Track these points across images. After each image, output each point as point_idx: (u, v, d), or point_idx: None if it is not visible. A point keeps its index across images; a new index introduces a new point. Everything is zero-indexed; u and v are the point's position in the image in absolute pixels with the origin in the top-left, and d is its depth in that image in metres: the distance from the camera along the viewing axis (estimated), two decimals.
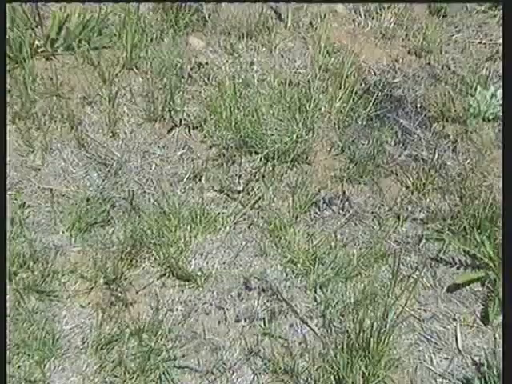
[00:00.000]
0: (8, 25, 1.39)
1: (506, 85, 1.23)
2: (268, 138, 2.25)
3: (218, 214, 1.93)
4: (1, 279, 0.96)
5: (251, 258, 1.84)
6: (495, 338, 1.39)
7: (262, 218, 1.95)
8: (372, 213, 2.13)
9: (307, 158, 2.30)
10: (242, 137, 2.26)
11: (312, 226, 1.93)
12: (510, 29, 1.18)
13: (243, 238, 1.90)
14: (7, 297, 1.25)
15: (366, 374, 1.29)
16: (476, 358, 1.40)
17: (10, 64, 1.63)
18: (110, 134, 1.92)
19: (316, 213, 2.12)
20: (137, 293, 1.60)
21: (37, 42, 1.59)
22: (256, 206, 2.17)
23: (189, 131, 2.36)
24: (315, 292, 1.62)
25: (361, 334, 1.33)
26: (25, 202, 1.64)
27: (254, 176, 2.24)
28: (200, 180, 2.23)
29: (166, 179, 2.21)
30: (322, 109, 2.39)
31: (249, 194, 2.20)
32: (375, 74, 2.13)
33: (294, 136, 2.25)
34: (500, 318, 1.41)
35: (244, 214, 1.96)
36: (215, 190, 2.23)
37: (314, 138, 2.31)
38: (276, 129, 2.33)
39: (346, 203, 2.21)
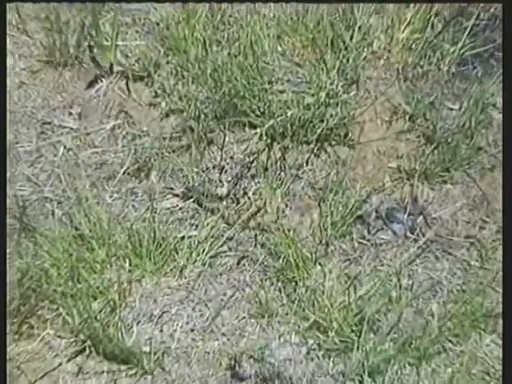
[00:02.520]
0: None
1: (506, 85, 1.69)
2: (274, 97, 2.27)
3: (182, 238, 2.13)
4: (1, 277, 1.47)
5: (242, 322, 2.06)
6: None
7: (264, 246, 2.16)
8: (467, 237, 2.22)
9: (347, 135, 2.32)
10: (226, 96, 2.27)
11: (355, 260, 2.15)
12: (510, 29, 1.61)
13: (228, 284, 2.10)
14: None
15: None
16: None
17: None
18: None
19: (363, 236, 2.22)
20: None
21: None
22: (252, 223, 2.22)
23: (127, 85, 2.42)
24: None
25: None
26: None
27: (249, 168, 2.28)
28: (148, 176, 2.29)
29: (85, 175, 2.26)
30: (375, 44, 2.42)
31: (238, 201, 2.25)
32: None
33: (323, 94, 2.26)
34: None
35: (230, 238, 2.17)
36: (176, 195, 2.27)
37: (358, 99, 2.34)
38: (288, 80, 2.34)
39: (420, 219, 2.25)
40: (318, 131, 2.22)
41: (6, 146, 2.04)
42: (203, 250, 2.10)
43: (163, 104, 2.34)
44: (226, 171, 2.24)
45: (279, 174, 2.24)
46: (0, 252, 1.53)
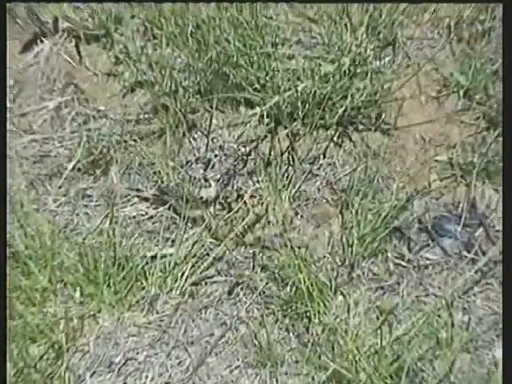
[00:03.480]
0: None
1: (506, 85, 1.90)
2: (279, 64, 2.25)
3: (154, 258, 2.12)
4: (1, 277, 1.78)
5: (236, 373, 2.03)
6: None
7: (265, 268, 2.15)
8: None
9: (379, 116, 2.30)
10: (214, 63, 2.27)
11: (391, 288, 2.13)
12: (510, 29, 1.86)
13: (216, 322, 2.09)
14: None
15: None
16: None
17: None
18: None
19: (401, 255, 2.20)
20: None
21: None
22: (249, 237, 2.20)
23: (77, 48, 2.42)
24: None
25: None
26: None
27: (245, 162, 2.26)
28: (105, 173, 2.27)
29: (20, 171, 2.26)
30: None
31: (230, 207, 2.22)
32: None
33: (346, 61, 2.25)
34: None
35: (219, 258, 2.16)
36: (145, 200, 2.26)
37: (395, 67, 2.34)
38: (299, 42, 2.36)
39: (479, 231, 2.24)
40: (340, 111, 2.22)
41: (6, 146, 2.22)
42: (182, 275, 2.09)
43: (127, 74, 2.34)
44: (213, 166, 2.24)
45: (286, 171, 2.24)
46: (0, 252, 1.82)
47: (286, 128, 2.24)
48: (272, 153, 2.23)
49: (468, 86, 2.27)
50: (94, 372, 2.00)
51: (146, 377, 2.01)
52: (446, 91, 2.32)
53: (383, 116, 2.27)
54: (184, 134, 2.27)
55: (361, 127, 2.29)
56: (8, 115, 2.30)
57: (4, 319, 1.81)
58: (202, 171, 2.24)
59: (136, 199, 2.23)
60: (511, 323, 1.77)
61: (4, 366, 1.79)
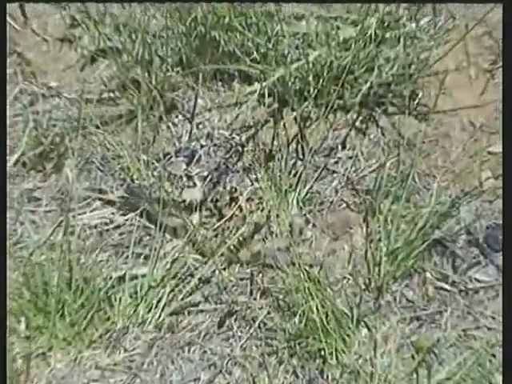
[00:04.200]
0: None
1: (506, 86, 2.07)
2: (284, 26, 2.22)
3: (121, 280, 2.12)
4: (1, 278, 1.91)
5: None
6: None
7: (266, 293, 2.14)
8: None
9: (414, 96, 2.30)
10: (199, 24, 2.24)
11: (430, 319, 2.12)
12: (510, 29, 2.06)
13: (202, 362, 2.09)
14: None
15: None
16: None
17: None
18: None
19: (444, 276, 2.17)
20: None
21: None
22: (245, 253, 2.17)
23: (21, 7, 2.41)
24: None
25: None
26: None
27: (239, 154, 2.25)
28: (59, 169, 2.26)
29: None
30: None
31: (221, 213, 2.18)
32: None
33: (372, 22, 2.23)
34: None
35: (206, 280, 2.15)
36: (109, 203, 2.24)
37: (435, 30, 2.31)
38: None
39: None
40: (364, 89, 2.21)
41: (6, 146, 2.26)
42: (158, 301, 2.07)
43: (85, 40, 2.34)
44: (198, 160, 2.22)
45: (294, 166, 2.23)
46: (0, 252, 1.98)
47: (293, 110, 2.24)
48: (275, 143, 2.24)
49: None
50: None
51: None
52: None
53: (420, 95, 2.29)
54: (161, 118, 2.27)
55: (391, 109, 2.29)
56: None
57: (4, 319, 1.94)
58: (184, 166, 2.24)
59: (98, 203, 2.23)
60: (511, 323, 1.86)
61: (4, 366, 1.91)
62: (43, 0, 2.43)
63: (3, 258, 1.97)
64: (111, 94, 2.27)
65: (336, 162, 2.25)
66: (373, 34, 2.20)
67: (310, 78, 2.19)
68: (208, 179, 2.20)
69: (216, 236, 2.15)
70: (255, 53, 2.21)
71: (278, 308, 2.10)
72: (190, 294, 2.11)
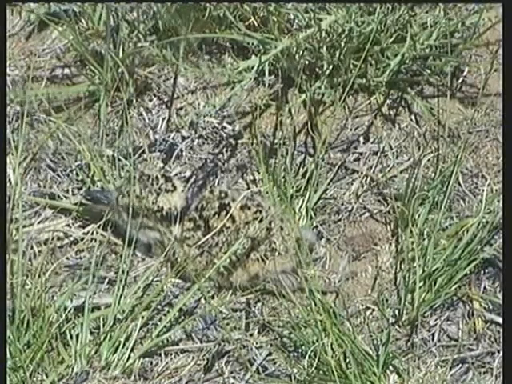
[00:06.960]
0: None
1: (506, 86, 2.18)
2: None
3: (78, 312, 1.95)
4: (1, 277, 2.52)
5: None
6: None
7: (267, 328, 1.96)
8: None
9: (459, 71, 2.11)
10: None
11: (480, 361, 1.95)
12: (510, 29, 2.26)
13: None
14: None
15: None
16: None
17: None
18: None
19: (494, 306, 2.02)
20: None
21: None
22: (240, 275, 1.99)
23: None
24: None
25: None
26: None
27: (232, 149, 2.08)
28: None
29: None
30: None
31: (208, 225, 1.98)
32: None
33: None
34: None
35: (188, 312, 1.97)
36: (64, 212, 2.07)
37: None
38: None
39: None
40: (393, 64, 2.06)
41: (6, 146, 2.11)
42: (127, 339, 1.91)
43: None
44: (179, 157, 2.08)
45: (302, 164, 2.08)
46: (0, 252, 1.86)
47: (301, 92, 2.09)
48: (278, 134, 2.08)
49: None
50: None
51: None
52: None
53: (465, 73, 2.14)
54: (130, 102, 2.11)
55: (428, 91, 2.15)
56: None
57: (4, 319, 1.82)
58: (160, 165, 2.09)
59: (49, 212, 2.06)
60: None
61: (4, 366, 1.79)
62: (43, 0, 2.29)
63: (3, 258, 1.87)
64: (66, 71, 2.11)
65: (357, 159, 2.10)
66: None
67: (324, 51, 2.06)
68: (191, 181, 1.99)
69: (201, 254, 2.00)
70: (252, 18, 2.10)
71: (282, 347, 1.96)
72: (169, 330, 1.95)
